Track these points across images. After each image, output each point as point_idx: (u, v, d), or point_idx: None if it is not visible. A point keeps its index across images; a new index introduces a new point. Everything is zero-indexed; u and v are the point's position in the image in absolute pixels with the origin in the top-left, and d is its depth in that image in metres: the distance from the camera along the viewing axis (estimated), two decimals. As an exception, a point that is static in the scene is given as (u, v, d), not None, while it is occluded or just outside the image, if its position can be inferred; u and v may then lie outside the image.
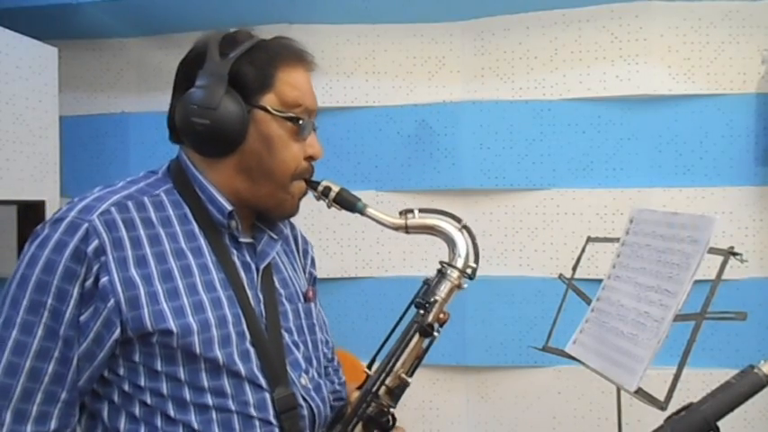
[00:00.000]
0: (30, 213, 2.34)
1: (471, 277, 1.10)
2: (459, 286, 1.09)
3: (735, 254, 1.47)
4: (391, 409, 1.06)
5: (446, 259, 1.11)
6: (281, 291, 1.11)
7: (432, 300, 1.07)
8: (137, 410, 0.95)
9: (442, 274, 1.09)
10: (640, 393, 1.44)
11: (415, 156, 2.56)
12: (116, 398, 0.96)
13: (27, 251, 0.96)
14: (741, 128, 2.38)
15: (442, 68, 2.57)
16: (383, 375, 1.06)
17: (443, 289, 1.08)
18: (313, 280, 1.27)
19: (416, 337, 1.06)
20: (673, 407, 1.07)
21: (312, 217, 2.50)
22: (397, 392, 1.06)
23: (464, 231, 1.12)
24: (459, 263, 1.09)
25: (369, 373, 1.09)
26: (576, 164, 2.48)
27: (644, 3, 2.39)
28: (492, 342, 2.50)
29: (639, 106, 2.43)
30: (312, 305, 1.18)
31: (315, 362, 1.13)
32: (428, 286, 1.10)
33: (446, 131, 2.55)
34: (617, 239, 1.72)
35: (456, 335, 2.47)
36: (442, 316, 1.09)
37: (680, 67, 2.40)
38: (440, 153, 2.55)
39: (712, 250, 1.46)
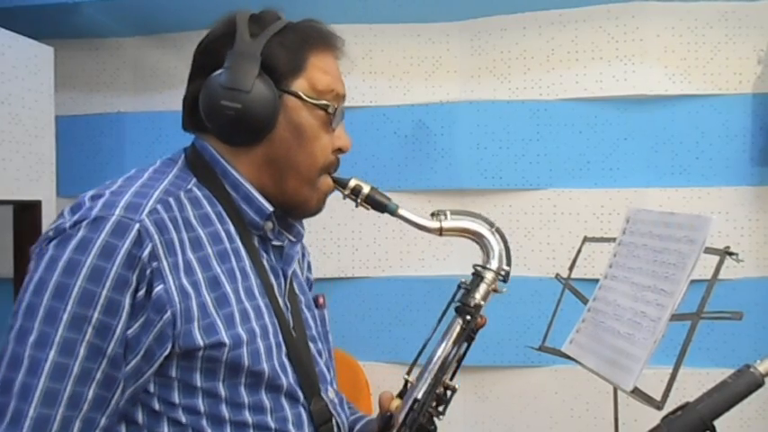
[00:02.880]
0: (26, 213, 2.33)
1: (505, 280, 1.08)
2: (495, 290, 1.08)
3: (731, 254, 1.48)
4: (441, 417, 1.04)
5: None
6: (301, 297, 1.06)
7: (473, 304, 1.05)
8: (164, 431, 0.87)
9: (478, 276, 1.07)
10: (637, 393, 1.44)
11: (412, 156, 2.56)
12: (140, 418, 0.87)
13: (58, 255, 0.82)
14: (737, 128, 2.39)
15: (438, 68, 2.58)
16: (432, 385, 1.02)
17: (481, 292, 1.06)
18: (310, 285, 1.21)
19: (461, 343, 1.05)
20: (669, 406, 1.07)
21: (309, 217, 2.50)
22: (444, 399, 1.04)
23: (496, 234, 1.09)
24: (494, 265, 1.07)
25: (408, 379, 1.05)
26: (573, 164, 2.48)
27: (640, 3, 2.40)
28: (489, 342, 2.50)
29: (636, 106, 2.44)
30: (325, 311, 1.13)
31: (332, 372, 1.09)
32: (465, 290, 1.07)
33: (443, 131, 2.55)
34: (613, 239, 1.72)
35: (453, 335, 2.46)
36: (480, 320, 1.07)
37: (676, 67, 2.41)
38: (436, 153, 2.55)
39: (708, 250, 1.46)
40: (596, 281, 1.71)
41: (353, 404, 1.23)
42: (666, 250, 1.50)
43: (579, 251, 1.91)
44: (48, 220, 2.35)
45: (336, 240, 2.59)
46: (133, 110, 2.75)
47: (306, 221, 1.10)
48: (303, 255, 1.19)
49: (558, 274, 1.93)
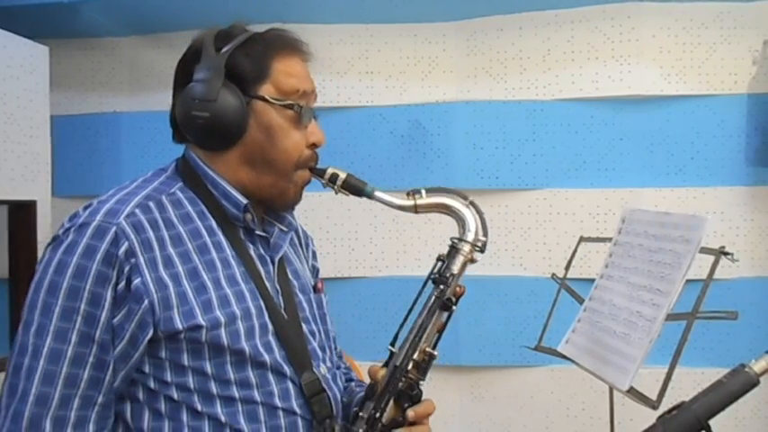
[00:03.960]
0: (21, 213, 2.33)
1: (482, 250, 1.12)
2: (471, 260, 1.12)
3: (726, 253, 1.48)
4: (420, 382, 1.09)
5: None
6: (295, 282, 1.14)
7: (448, 275, 1.10)
8: (162, 407, 0.97)
9: (454, 249, 1.11)
10: (632, 392, 1.45)
11: (409, 156, 2.56)
12: (140, 395, 0.97)
13: (52, 257, 0.95)
14: (732, 128, 2.40)
15: (435, 68, 2.58)
16: (410, 351, 1.08)
17: (457, 263, 1.10)
18: (316, 272, 1.31)
19: (438, 311, 1.10)
20: (664, 406, 1.07)
21: (305, 216, 2.50)
22: (423, 366, 1.09)
23: (471, 207, 1.13)
24: (470, 237, 1.11)
25: (392, 350, 1.11)
26: (569, 164, 2.49)
27: (636, 3, 2.41)
28: (485, 342, 2.51)
29: (631, 107, 2.44)
30: (322, 296, 1.21)
31: (328, 351, 1.16)
32: (442, 262, 1.12)
33: (439, 131, 2.55)
34: (609, 239, 1.72)
35: (449, 335, 2.43)
36: (458, 289, 1.11)
37: (672, 67, 2.41)
38: (433, 153, 2.55)
39: (704, 250, 1.47)
40: (592, 281, 1.71)
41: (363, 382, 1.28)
42: (662, 250, 1.51)
43: (575, 251, 1.91)
44: (43, 220, 2.35)
45: (333, 240, 2.59)
46: (129, 109, 2.75)
47: (303, 222, 1.16)
48: (307, 245, 1.32)
49: (554, 274, 1.94)
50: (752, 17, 2.37)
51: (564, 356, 1.67)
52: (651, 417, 1.04)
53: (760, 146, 2.38)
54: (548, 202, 2.50)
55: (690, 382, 2.11)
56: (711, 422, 0.94)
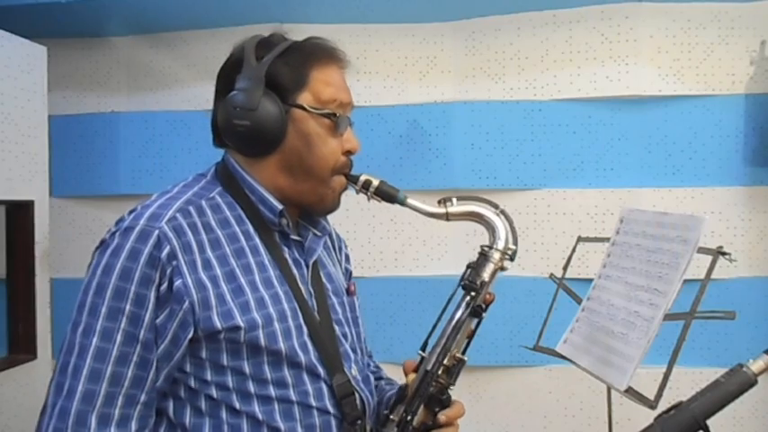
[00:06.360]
0: (18, 213, 2.32)
1: (512, 258, 1.14)
2: (501, 267, 1.13)
3: (724, 254, 1.48)
4: (451, 387, 1.11)
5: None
6: (328, 285, 1.17)
7: (479, 282, 1.11)
8: (202, 405, 1.00)
9: (484, 256, 1.13)
10: (630, 392, 1.45)
11: (407, 156, 2.57)
12: (182, 393, 1.01)
13: (99, 261, 0.98)
14: (730, 128, 2.40)
15: (433, 69, 2.58)
16: (440, 356, 1.10)
17: (488, 271, 1.12)
18: (349, 275, 1.33)
19: (468, 318, 1.11)
20: (662, 405, 1.07)
21: (303, 217, 2.50)
22: (453, 371, 1.11)
23: (501, 215, 1.15)
24: (500, 245, 1.13)
25: (423, 355, 1.13)
26: (567, 164, 2.49)
27: (634, 4, 2.41)
28: (483, 342, 2.51)
29: (629, 107, 2.45)
30: (354, 298, 1.24)
31: (360, 353, 1.18)
32: (472, 269, 1.13)
33: (437, 131, 2.56)
34: (607, 239, 1.72)
35: (447, 335, 2.47)
36: (488, 297, 1.13)
37: (669, 68, 2.42)
38: (431, 153, 2.55)
39: (701, 250, 1.47)
40: (590, 280, 1.71)
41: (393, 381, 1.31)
42: (660, 250, 1.51)
43: (573, 251, 1.91)
44: (40, 221, 2.35)
45: (331, 240, 2.59)
46: (126, 109, 2.74)
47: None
48: (340, 248, 1.34)
49: (552, 274, 1.94)
50: (749, 18, 2.37)
51: (562, 356, 1.67)
52: (649, 416, 1.04)
53: (757, 146, 2.38)
54: (546, 202, 2.50)
55: (688, 382, 2.11)
56: (709, 422, 0.94)
